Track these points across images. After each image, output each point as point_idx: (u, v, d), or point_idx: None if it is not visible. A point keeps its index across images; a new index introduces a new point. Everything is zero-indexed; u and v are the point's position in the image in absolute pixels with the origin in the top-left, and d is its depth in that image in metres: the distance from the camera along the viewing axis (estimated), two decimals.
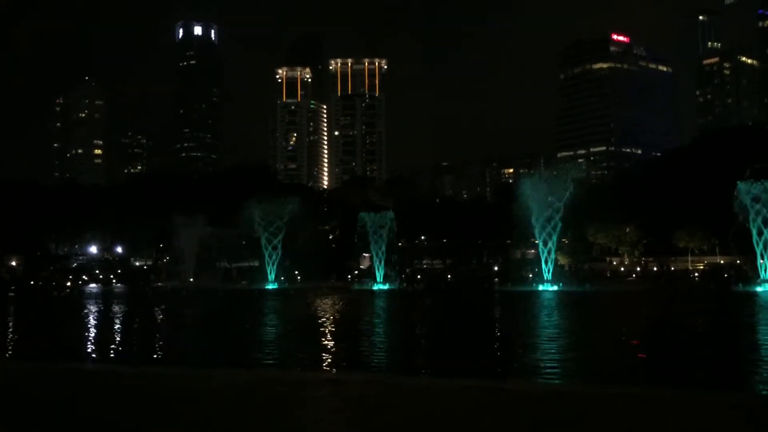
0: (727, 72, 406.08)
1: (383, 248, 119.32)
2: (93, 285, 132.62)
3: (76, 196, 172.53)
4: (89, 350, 36.66)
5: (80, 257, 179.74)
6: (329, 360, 31.59)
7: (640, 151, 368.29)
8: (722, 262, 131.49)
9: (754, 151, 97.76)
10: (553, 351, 33.52)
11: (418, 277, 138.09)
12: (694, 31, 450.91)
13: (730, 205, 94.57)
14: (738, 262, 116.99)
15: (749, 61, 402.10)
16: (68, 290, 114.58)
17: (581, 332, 45.20)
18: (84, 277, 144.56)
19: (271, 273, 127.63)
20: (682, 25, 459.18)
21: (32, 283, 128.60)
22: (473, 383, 17.43)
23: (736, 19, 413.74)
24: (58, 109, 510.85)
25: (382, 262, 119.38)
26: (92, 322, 55.72)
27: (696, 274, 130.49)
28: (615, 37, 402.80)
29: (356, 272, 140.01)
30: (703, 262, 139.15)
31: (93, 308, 71.95)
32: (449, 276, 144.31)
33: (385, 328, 50.72)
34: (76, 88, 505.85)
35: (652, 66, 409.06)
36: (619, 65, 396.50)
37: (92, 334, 45.78)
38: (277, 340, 42.32)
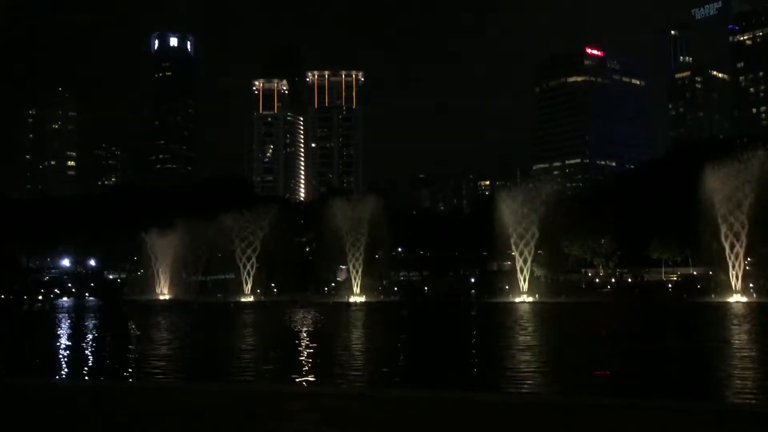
0: (698, 86, 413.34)
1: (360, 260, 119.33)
2: (65, 299, 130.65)
3: (49, 208, 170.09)
4: (58, 366, 36.07)
5: (52, 270, 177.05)
6: (305, 373, 31.37)
7: (614, 164, 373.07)
8: (695, 273, 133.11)
9: (725, 164, 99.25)
10: (526, 362, 33.63)
11: (396, 289, 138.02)
12: (666, 45, 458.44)
13: (702, 217, 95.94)
14: (711, 273, 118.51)
15: (720, 75, 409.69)
16: (39, 304, 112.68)
17: (555, 344, 45.45)
18: (56, 290, 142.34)
19: (246, 285, 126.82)
20: (655, 40, 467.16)
21: (2, 297, 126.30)
22: (449, 395, 17.41)
23: (707, 34, 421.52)
24: (30, 120, 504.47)
25: (359, 275, 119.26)
26: (62, 337, 54.81)
27: (670, 285, 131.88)
28: (589, 51, 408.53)
29: (333, 284, 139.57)
30: (676, 273, 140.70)
31: (64, 323, 70.80)
32: (426, 288, 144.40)
33: (362, 341, 50.52)
34: (49, 99, 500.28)
35: (626, 79, 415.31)
36: (593, 79, 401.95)
37: (61, 350, 45.02)
38: (251, 353, 41.96)
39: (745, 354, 36.98)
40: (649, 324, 64.66)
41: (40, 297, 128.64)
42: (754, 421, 14.18)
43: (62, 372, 33.46)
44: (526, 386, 26.61)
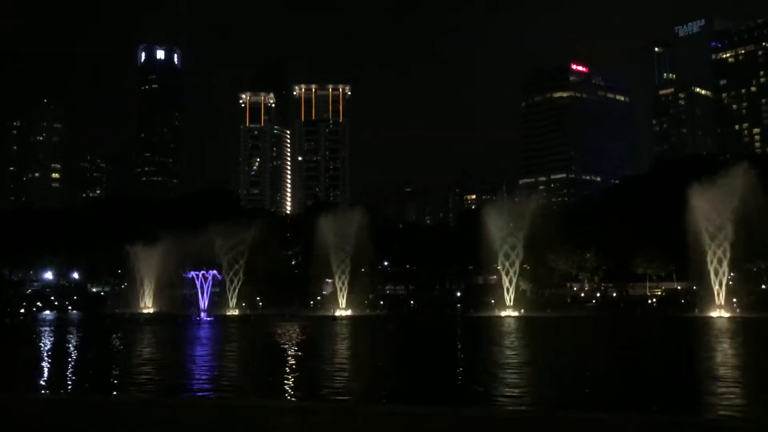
0: (682, 102, 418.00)
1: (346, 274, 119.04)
2: (48, 312, 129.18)
3: (32, 220, 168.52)
4: (43, 380, 35.69)
5: (35, 283, 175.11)
6: (291, 388, 31.18)
7: (599, 179, 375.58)
8: (679, 287, 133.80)
9: (708, 180, 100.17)
10: (513, 377, 33.63)
11: (381, 302, 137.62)
12: (651, 62, 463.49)
13: (686, 232, 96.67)
14: (694, 288, 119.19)
15: (703, 92, 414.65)
16: (21, 317, 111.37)
17: (540, 359, 45.51)
18: (38, 303, 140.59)
19: (232, 299, 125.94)
20: (639, 57, 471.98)
21: None
22: (434, 411, 17.37)
23: (690, 51, 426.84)
24: (15, 131, 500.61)
25: (345, 288, 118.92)
26: (43, 351, 54.20)
27: (654, 300, 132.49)
28: (574, 67, 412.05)
29: (319, 298, 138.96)
30: (660, 288, 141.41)
31: (46, 336, 70.02)
32: (412, 302, 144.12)
33: (348, 355, 50.32)
34: (34, 110, 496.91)
35: (610, 95, 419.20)
36: (578, 94, 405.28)
37: (43, 363, 44.54)
38: (234, 367, 41.69)
39: (727, 368, 37.21)
40: (633, 338, 64.91)
41: (23, 310, 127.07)
42: None
43: (44, 385, 33.07)
44: (514, 401, 26.58)
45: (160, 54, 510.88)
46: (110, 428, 15.73)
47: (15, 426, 16.00)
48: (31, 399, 22.68)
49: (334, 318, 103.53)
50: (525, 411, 23.44)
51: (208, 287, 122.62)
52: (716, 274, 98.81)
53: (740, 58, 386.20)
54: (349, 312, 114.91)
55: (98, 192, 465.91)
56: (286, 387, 31.25)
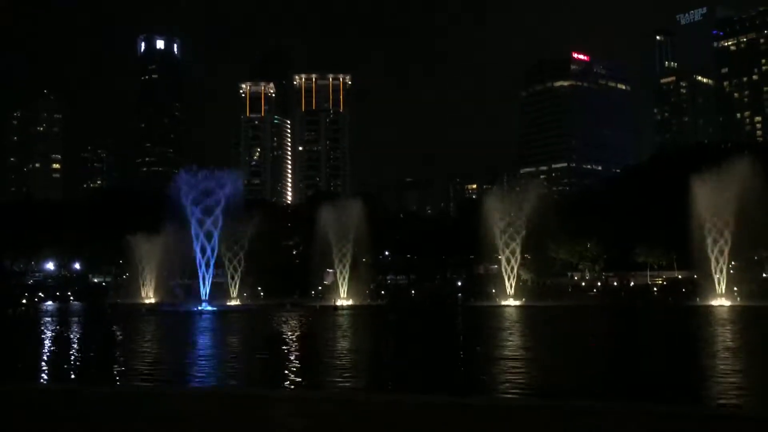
0: (683, 91, 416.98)
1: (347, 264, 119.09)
2: (49, 302, 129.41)
3: (33, 211, 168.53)
4: (44, 370, 35.72)
5: (36, 274, 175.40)
6: (290, 377, 31.18)
7: (600, 168, 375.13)
8: (680, 276, 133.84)
9: (710, 168, 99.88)
10: (513, 366, 33.60)
11: (382, 292, 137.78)
12: (652, 50, 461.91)
13: (686, 220, 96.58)
14: (695, 276, 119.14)
15: (705, 80, 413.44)
16: (23, 308, 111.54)
17: (541, 348, 45.53)
18: (40, 294, 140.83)
19: (233, 290, 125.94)
20: (641, 45, 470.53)
21: None
22: (436, 399, 17.34)
23: (692, 39, 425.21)
24: (15, 122, 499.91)
25: (346, 278, 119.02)
26: (44, 341, 54.28)
27: (655, 289, 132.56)
28: (575, 55, 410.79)
29: (320, 288, 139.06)
30: (661, 277, 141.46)
31: (47, 327, 70.13)
32: (413, 292, 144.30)
33: (347, 344, 50.34)
34: (34, 101, 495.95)
35: (612, 84, 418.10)
36: (579, 83, 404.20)
37: (43, 354, 44.58)
38: (234, 358, 41.72)
39: (726, 354, 37.23)
40: (634, 326, 64.98)
41: (24, 301, 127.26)
42: (738, 425, 14.20)
43: (46, 376, 33.11)
44: (513, 390, 26.55)
45: (160, 44, 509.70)
46: (108, 418, 15.70)
47: (14, 416, 15.98)
48: (29, 389, 22.68)
49: (335, 308, 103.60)
50: (530, 399, 23.41)
51: (209, 277, 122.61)
52: (717, 262, 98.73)
53: (742, 46, 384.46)
54: (350, 302, 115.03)
55: (99, 182, 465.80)
56: (286, 376, 31.24)
